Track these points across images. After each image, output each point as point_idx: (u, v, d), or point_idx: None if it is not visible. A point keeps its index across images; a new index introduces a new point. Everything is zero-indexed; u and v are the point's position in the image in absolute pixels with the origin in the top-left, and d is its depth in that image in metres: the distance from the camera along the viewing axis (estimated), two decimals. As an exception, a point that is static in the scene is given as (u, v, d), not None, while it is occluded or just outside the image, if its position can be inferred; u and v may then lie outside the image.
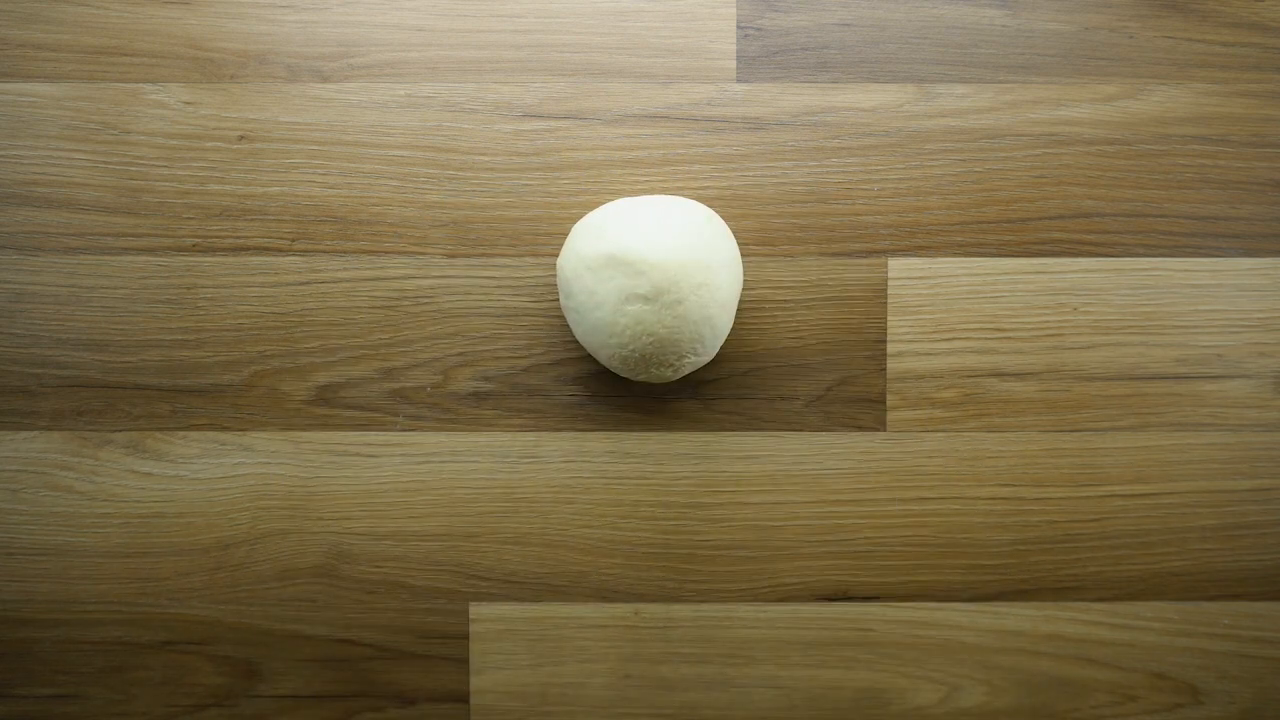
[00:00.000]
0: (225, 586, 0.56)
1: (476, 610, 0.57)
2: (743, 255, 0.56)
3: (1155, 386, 0.57)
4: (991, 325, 0.57)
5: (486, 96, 0.56)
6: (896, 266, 0.56)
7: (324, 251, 0.56)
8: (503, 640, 0.57)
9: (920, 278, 0.56)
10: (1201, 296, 0.57)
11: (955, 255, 0.56)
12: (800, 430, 0.56)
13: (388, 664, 0.57)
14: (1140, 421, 0.57)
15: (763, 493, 0.57)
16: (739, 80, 0.56)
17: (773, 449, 0.57)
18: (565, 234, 0.56)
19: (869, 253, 0.56)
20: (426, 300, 0.56)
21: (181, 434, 0.56)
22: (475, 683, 0.57)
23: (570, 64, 0.56)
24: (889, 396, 0.56)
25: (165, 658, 0.56)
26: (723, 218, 0.56)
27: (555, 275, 0.55)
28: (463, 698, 0.57)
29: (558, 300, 0.56)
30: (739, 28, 0.56)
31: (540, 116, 0.56)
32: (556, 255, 0.56)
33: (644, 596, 0.57)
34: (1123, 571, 0.57)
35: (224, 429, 0.56)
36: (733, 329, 0.56)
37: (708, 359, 0.54)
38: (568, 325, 0.55)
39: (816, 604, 0.57)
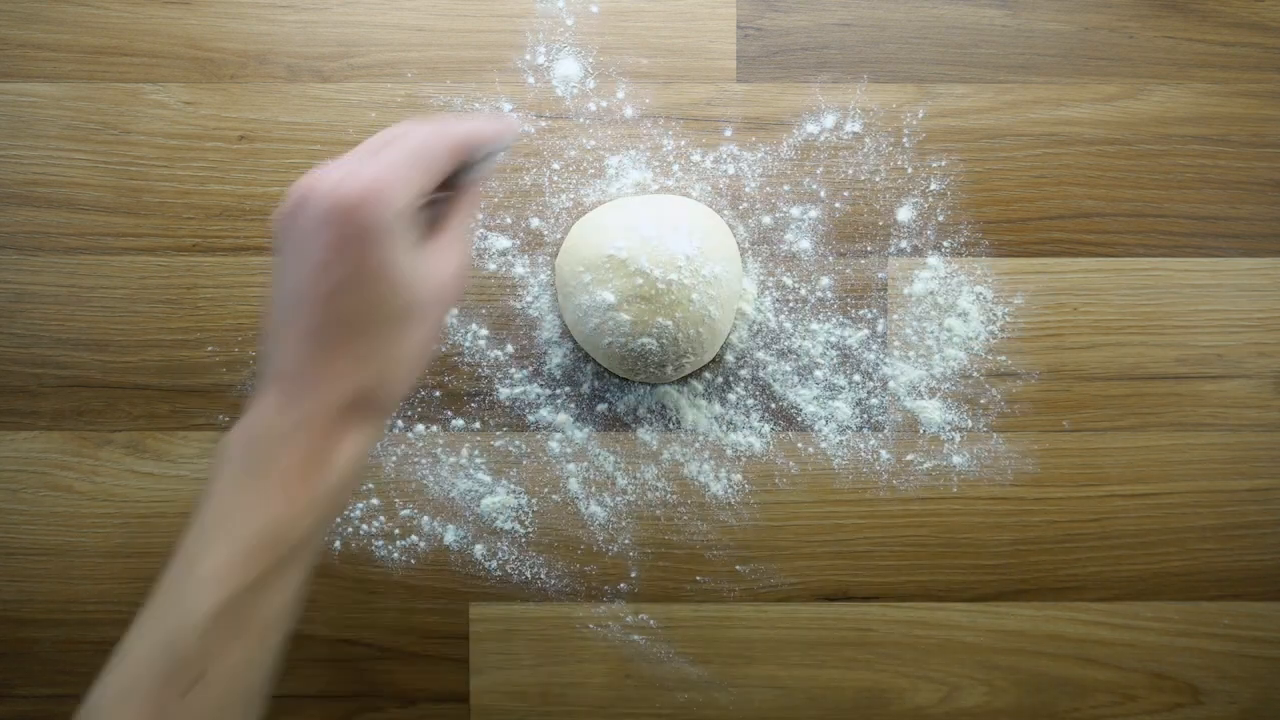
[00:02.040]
0: (225, 586, 0.56)
1: (476, 610, 0.57)
2: (742, 255, 0.56)
3: (1155, 386, 0.57)
4: (992, 325, 0.57)
5: (486, 96, 0.56)
6: (896, 266, 0.56)
7: (324, 251, 0.56)
8: (503, 640, 0.57)
9: (920, 278, 0.56)
10: (1201, 296, 0.57)
11: (957, 255, 0.56)
12: (802, 430, 0.56)
13: (388, 664, 0.57)
14: (1140, 421, 0.57)
15: (763, 493, 0.57)
16: (739, 80, 0.56)
17: (773, 449, 0.57)
18: (565, 233, 0.56)
19: (869, 252, 0.56)
20: (426, 300, 0.56)
21: (181, 434, 0.56)
22: (475, 683, 0.57)
23: (570, 64, 0.56)
24: (889, 397, 0.56)
25: (165, 658, 0.56)
26: (721, 216, 0.56)
27: (555, 274, 0.55)
28: (463, 698, 0.57)
29: (557, 299, 0.56)
30: (739, 28, 0.56)
31: (540, 116, 0.56)
32: (557, 254, 0.56)
33: (644, 596, 0.57)
34: (1123, 571, 0.57)
35: (224, 429, 0.56)
36: (732, 328, 0.56)
37: (707, 359, 0.54)
38: (567, 325, 0.55)
39: (816, 604, 0.57)
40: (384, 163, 0.34)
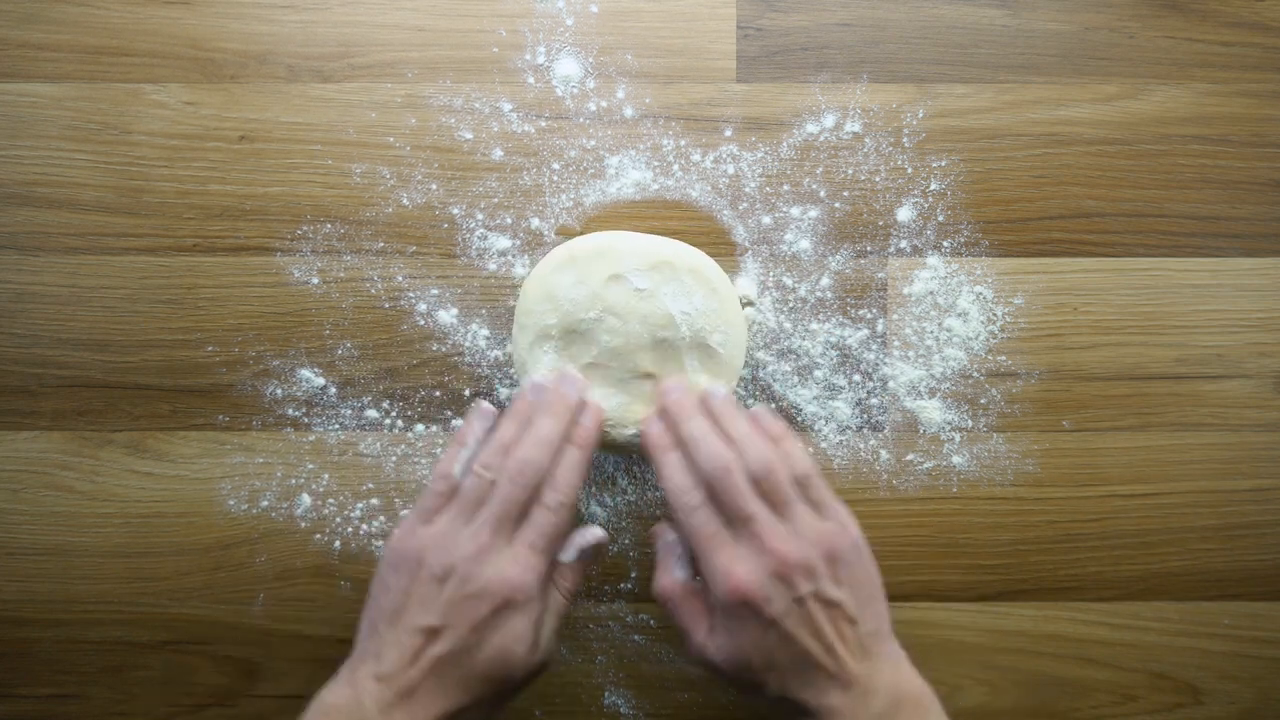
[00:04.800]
0: (225, 586, 0.56)
1: (476, 610, 0.57)
2: (742, 255, 0.56)
3: (1155, 386, 0.57)
4: (992, 325, 0.57)
5: (486, 96, 0.56)
6: (897, 266, 0.56)
7: (324, 251, 0.56)
8: (503, 640, 0.57)
9: (920, 278, 0.56)
10: (1201, 296, 0.57)
11: (957, 255, 0.56)
12: (801, 430, 0.56)
13: (388, 664, 0.57)
14: (1140, 421, 0.57)
15: (763, 493, 0.57)
16: (739, 80, 0.56)
17: (773, 449, 0.57)
18: (567, 234, 0.56)
19: (869, 253, 0.56)
20: (426, 300, 0.56)
21: (181, 434, 0.56)
22: (475, 683, 0.57)
23: (570, 64, 0.56)
24: (889, 397, 0.56)
25: (165, 658, 0.56)
26: (721, 216, 0.56)
27: (519, 307, 0.53)
28: (463, 698, 0.57)
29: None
30: (739, 28, 0.56)
31: (540, 116, 0.56)
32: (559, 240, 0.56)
33: (644, 596, 0.57)
34: (1123, 571, 0.57)
35: (224, 429, 0.56)
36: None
37: None
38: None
39: (816, 604, 0.57)
40: (524, 555, 0.45)
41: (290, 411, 0.56)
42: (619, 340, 0.50)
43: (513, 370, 0.55)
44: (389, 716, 0.42)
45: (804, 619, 0.44)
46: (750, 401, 0.56)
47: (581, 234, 0.56)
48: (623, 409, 0.51)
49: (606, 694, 0.57)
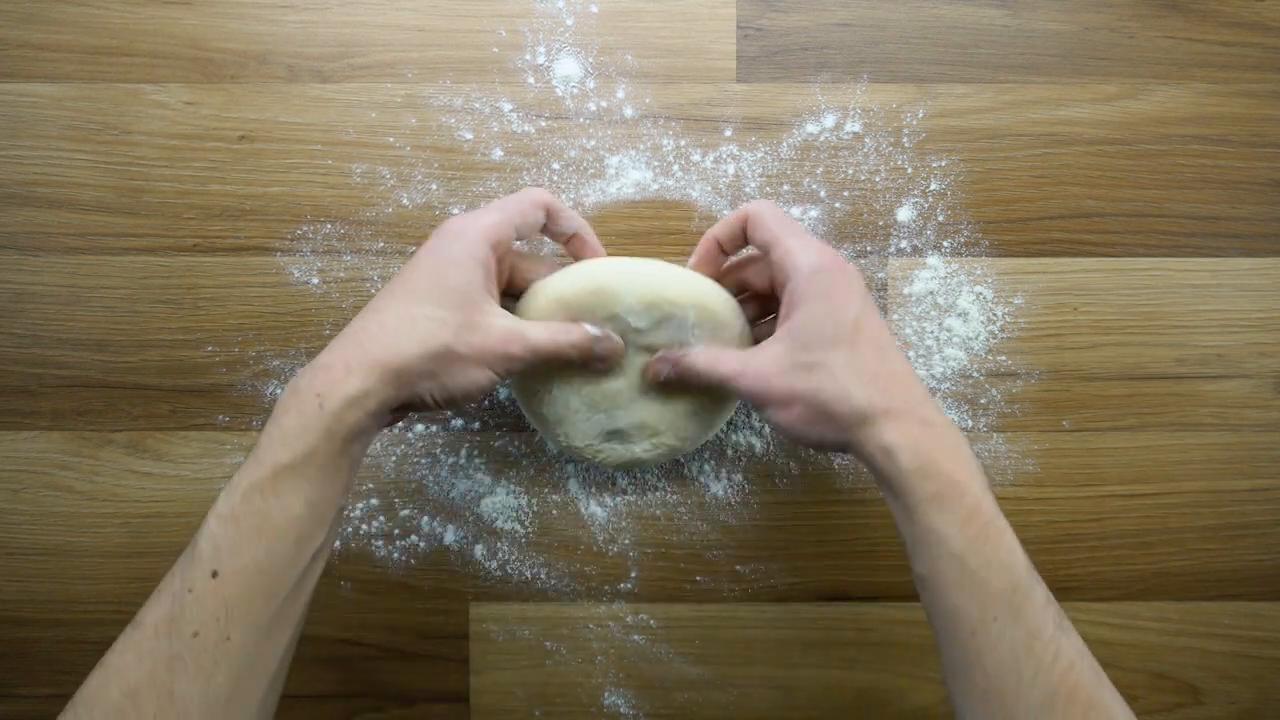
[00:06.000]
0: (225, 586, 0.56)
1: (476, 610, 0.57)
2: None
3: (1155, 386, 0.57)
4: (992, 325, 0.57)
5: (486, 96, 0.56)
6: (896, 266, 0.56)
7: (324, 251, 0.56)
8: (503, 640, 0.57)
9: (920, 278, 0.56)
10: (1201, 296, 0.57)
11: (957, 255, 0.56)
12: (800, 430, 0.56)
13: (388, 664, 0.57)
14: (1140, 421, 0.57)
15: (763, 493, 0.57)
16: (739, 80, 0.56)
17: (773, 449, 0.57)
18: (565, 234, 0.56)
19: (869, 253, 0.56)
20: (426, 300, 0.56)
21: (181, 434, 0.56)
22: (475, 683, 0.57)
23: (570, 64, 0.56)
24: (889, 396, 0.56)
25: (165, 658, 0.56)
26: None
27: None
28: (463, 698, 0.57)
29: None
30: (739, 28, 0.56)
31: (540, 116, 0.56)
32: (558, 255, 0.56)
33: (644, 596, 0.57)
34: (1123, 571, 0.57)
35: (224, 429, 0.56)
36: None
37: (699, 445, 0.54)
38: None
39: (816, 604, 0.57)
40: (483, 208, 0.46)
41: (290, 411, 0.56)
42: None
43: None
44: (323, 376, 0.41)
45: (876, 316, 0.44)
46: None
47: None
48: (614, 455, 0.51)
49: (606, 694, 0.57)
